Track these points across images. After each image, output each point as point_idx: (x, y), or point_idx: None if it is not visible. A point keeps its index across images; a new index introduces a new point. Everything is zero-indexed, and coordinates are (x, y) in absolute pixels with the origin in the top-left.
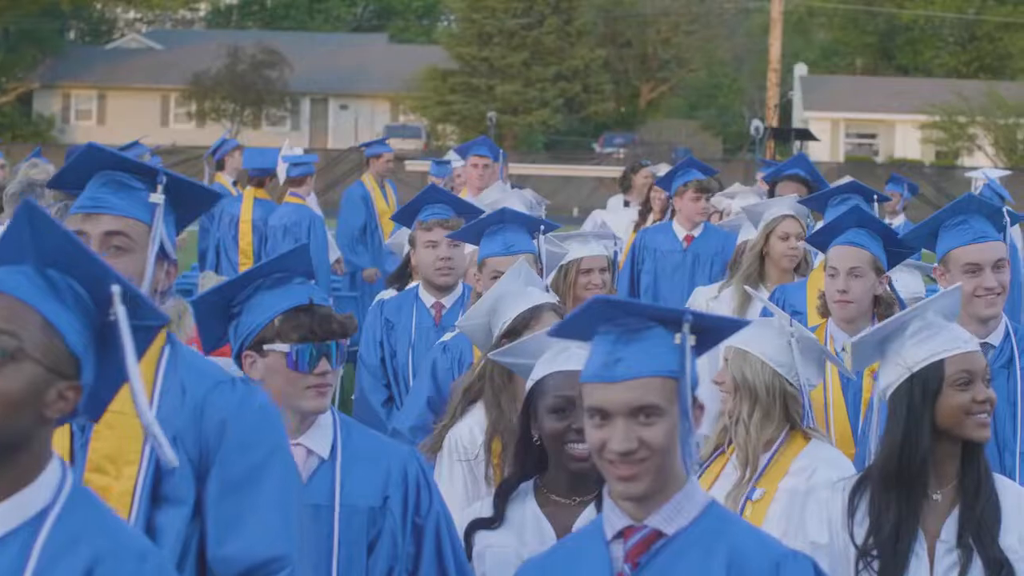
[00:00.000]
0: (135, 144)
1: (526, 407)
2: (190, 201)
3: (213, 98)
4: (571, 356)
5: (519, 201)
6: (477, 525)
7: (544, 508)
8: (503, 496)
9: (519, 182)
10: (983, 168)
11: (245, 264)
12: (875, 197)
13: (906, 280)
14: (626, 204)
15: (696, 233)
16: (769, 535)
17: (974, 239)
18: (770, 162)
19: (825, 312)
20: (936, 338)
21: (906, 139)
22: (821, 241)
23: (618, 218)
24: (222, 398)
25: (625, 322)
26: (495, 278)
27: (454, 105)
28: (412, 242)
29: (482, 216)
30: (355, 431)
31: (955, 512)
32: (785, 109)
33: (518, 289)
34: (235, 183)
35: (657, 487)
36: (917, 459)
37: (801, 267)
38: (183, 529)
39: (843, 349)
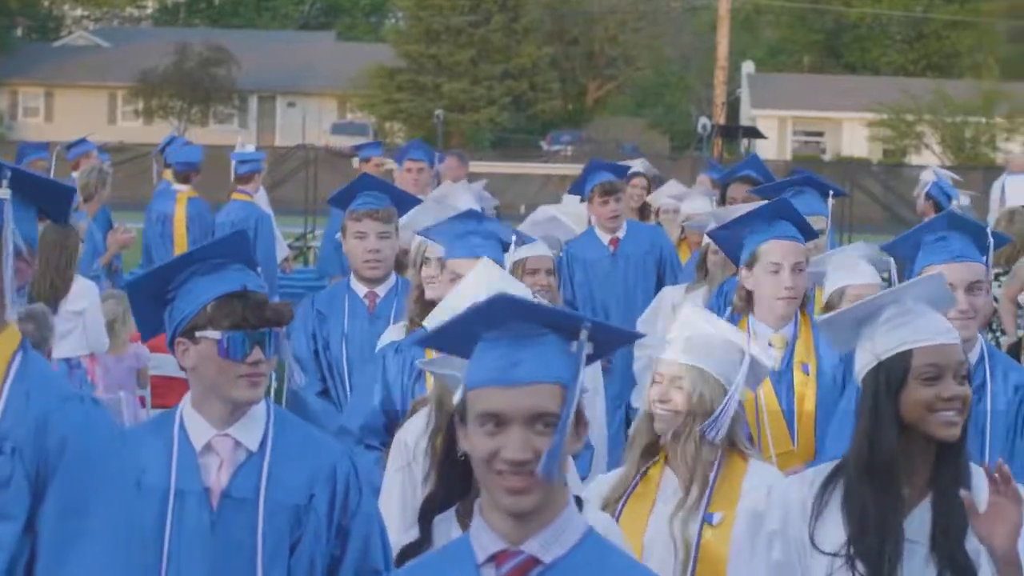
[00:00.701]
0: (82, 141)
1: (451, 421)
2: (44, 197)
3: (161, 96)
4: None
5: (470, 196)
6: (407, 553)
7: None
8: (427, 518)
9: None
10: (932, 166)
11: None
12: (830, 192)
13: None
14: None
15: (620, 235)
16: (648, 569)
17: (950, 258)
18: (716, 165)
19: (748, 306)
20: (908, 326)
21: (853, 137)
22: (728, 238)
23: (575, 211)
24: (67, 415)
25: (518, 327)
26: (454, 281)
27: (401, 103)
28: (343, 231)
29: (456, 215)
30: (289, 425)
31: (919, 511)
32: (733, 107)
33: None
34: (236, 183)
35: (543, 504)
36: (882, 454)
37: None
38: (12, 544)
39: (770, 344)
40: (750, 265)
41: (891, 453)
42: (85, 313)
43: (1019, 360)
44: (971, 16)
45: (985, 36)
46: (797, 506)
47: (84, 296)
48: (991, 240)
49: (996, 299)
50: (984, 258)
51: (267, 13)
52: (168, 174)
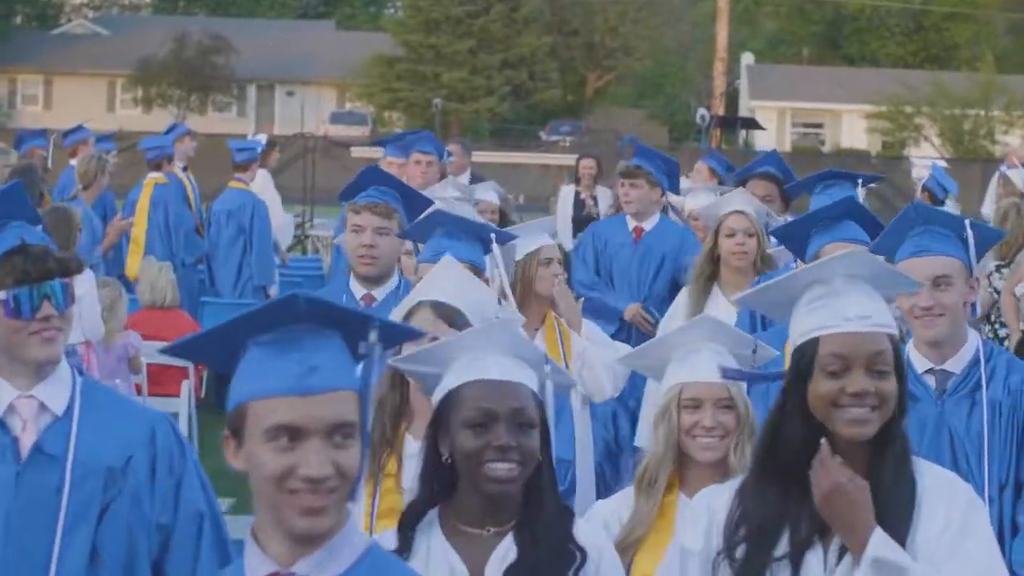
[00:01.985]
0: (79, 128)
1: (434, 422)
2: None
3: (159, 84)
4: (489, 364)
5: (492, 193)
6: None
7: (452, 539)
8: (409, 525)
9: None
10: (927, 158)
11: (135, 252)
12: (860, 181)
13: None
14: (577, 195)
15: (647, 227)
16: None
17: (914, 252)
18: (716, 154)
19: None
20: (823, 310)
21: (852, 129)
22: (794, 235)
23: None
24: None
25: (300, 328)
26: None
27: (400, 92)
28: (346, 223)
29: (428, 214)
30: (98, 392)
31: None
32: (732, 98)
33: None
34: (185, 168)
35: (337, 522)
36: (781, 449)
37: (758, 266)
38: None
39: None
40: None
41: (790, 449)
42: (82, 300)
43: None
44: (969, 8)
45: (983, 28)
46: (721, 518)
47: (81, 283)
48: (970, 232)
49: (997, 292)
50: (964, 252)
51: (266, 2)
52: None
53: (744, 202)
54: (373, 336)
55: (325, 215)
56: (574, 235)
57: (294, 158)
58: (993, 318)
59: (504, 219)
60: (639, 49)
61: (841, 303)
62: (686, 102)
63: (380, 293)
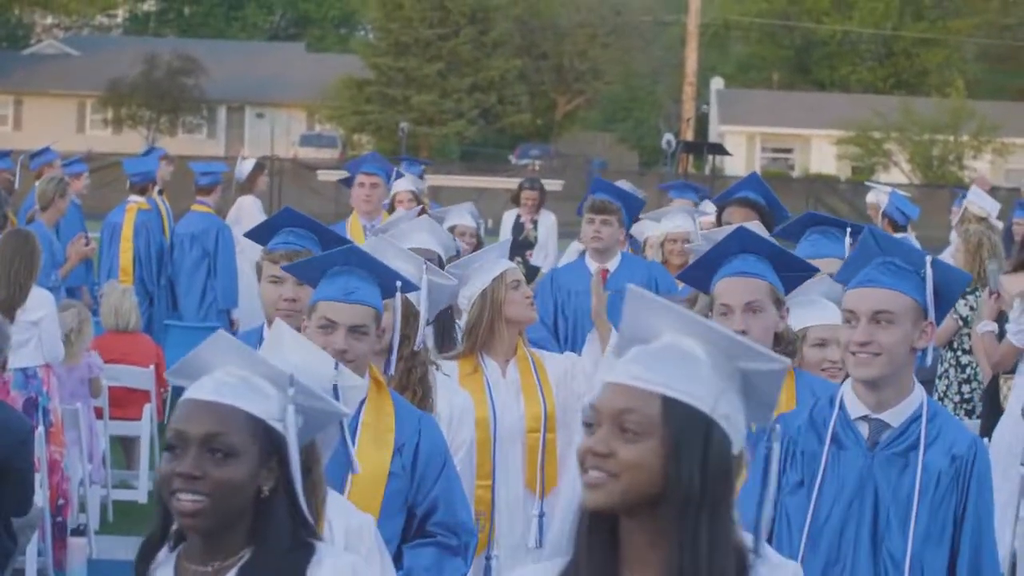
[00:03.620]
0: (45, 151)
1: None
2: None
3: (130, 105)
4: (206, 383)
5: (468, 216)
6: None
7: None
8: (144, 560)
9: (433, 193)
10: (880, 185)
11: (125, 281)
12: (848, 230)
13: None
14: (518, 218)
15: (611, 266)
16: None
17: (860, 282)
18: (685, 183)
19: None
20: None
21: (822, 154)
22: (698, 276)
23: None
24: None
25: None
26: (324, 327)
27: (370, 115)
28: (257, 270)
29: (327, 252)
30: None
31: None
32: (702, 123)
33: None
34: (160, 192)
35: None
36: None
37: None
38: None
39: None
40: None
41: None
42: (41, 323)
43: (999, 400)
44: (940, 34)
45: (953, 54)
46: None
47: (41, 306)
48: (929, 271)
49: (963, 320)
50: (920, 291)
51: (236, 23)
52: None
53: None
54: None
55: None
56: (511, 258)
57: None
58: (955, 344)
59: (480, 247)
60: (608, 73)
61: (631, 354)
62: (655, 126)
63: None
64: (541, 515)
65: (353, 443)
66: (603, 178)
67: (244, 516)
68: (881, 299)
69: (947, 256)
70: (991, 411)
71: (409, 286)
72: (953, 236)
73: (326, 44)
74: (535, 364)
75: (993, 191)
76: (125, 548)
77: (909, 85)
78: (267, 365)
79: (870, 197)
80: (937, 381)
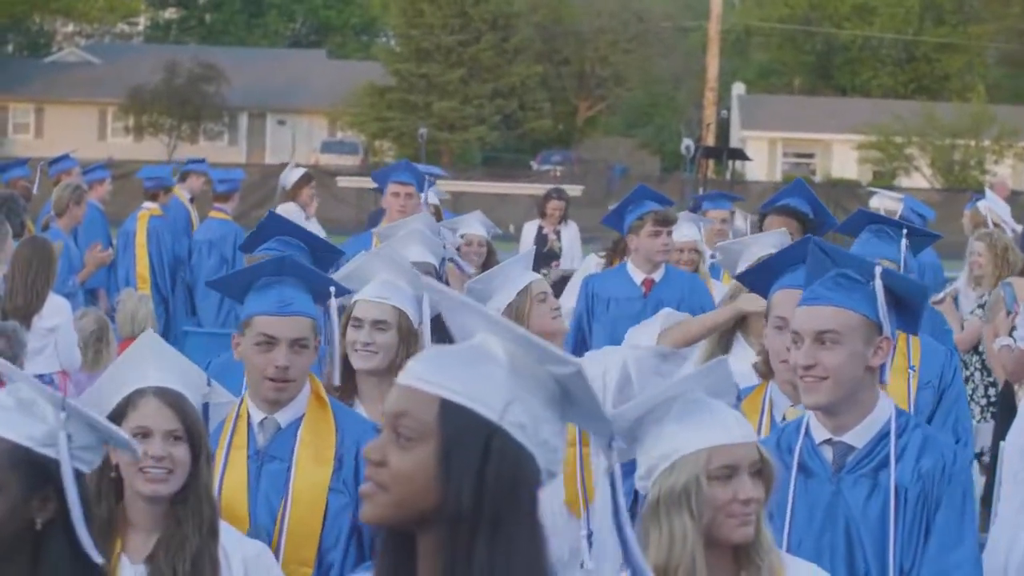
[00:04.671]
0: (64, 158)
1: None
2: None
3: (151, 112)
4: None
5: (479, 226)
6: None
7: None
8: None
9: (455, 199)
10: (884, 191)
11: (143, 288)
12: (904, 230)
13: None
14: (540, 229)
15: (656, 277)
16: None
17: (803, 300)
18: (712, 194)
19: (769, 373)
20: None
21: (843, 159)
22: (759, 281)
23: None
24: None
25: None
26: (261, 344)
27: (391, 121)
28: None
29: (256, 264)
30: None
31: None
32: (723, 128)
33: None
34: (192, 200)
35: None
36: None
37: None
38: None
39: (783, 418)
40: (767, 318)
41: None
42: (58, 330)
43: (1014, 403)
44: (961, 39)
45: (975, 59)
46: None
47: (57, 313)
48: (878, 283)
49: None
50: (870, 305)
51: (258, 31)
52: (178, 191)
53: (773, 243)
54: None
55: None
56: (535, 270)
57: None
58: (981, 347)
59: (491, 256)
60: (630, 79)
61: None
62: (677, 132)
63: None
64: (590, 534)
65: (291, 464)
66: (623, 184)
67: (21, 550)
68: (825, 318)
69: (966, 264)
70: (1006, 414)
71: (342, 290)
72: (971, 242)
73: (347, 51)
74: None
75: (1014, 195)
76: None
77: (930, 90)
78: (38, 387)
79: (874, 202)
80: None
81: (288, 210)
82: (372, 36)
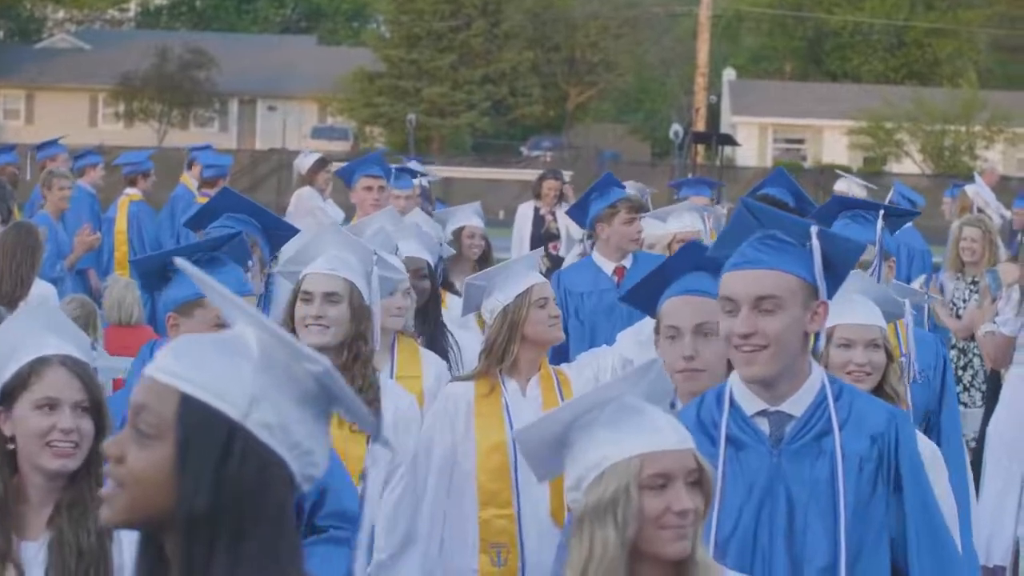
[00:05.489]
0: (51, 143)
1: None
2: None
3: (141, 98)
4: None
5: (476, 218)
6: None
7: None
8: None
9: (445, 185)
10: (848, 176)
11: (122, 275)
12: (880, 213)
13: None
14: (536, 211)
15: (627, 264)
16: None
17: (736, 264)
18: (689, 180)
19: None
20: None
21: (834, 144)
22: (647, 296)
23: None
24: None
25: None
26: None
27: (381, 107)
28: None
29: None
30: None
31: None
32: (714, 114)
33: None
34: (200, 187)
35: None
36: None
37: None
38: None
39: None
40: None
41: None
42: None
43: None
44: (952, 24)
45: (965, 44)
46: None
47: (44, 299)
48: (815, 242)
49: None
50: (807, 268)
51: (248, 16)
52: (186, 178)
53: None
54: None
55: None
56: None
57: (269, 173)
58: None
59: (488, 250)
60: (620, 65)
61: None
62: (668, 118)
63: None
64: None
65: None
66: (613, 170)
67: None
68: (763, 282)
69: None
70: (993, 399)
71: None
72: (954, 227)
73: (338, 37)
74: (559, 381)
75: (1004, 181)
76: None
77: (921, 75)
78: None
79: (840, 186)
80: (962, 372)
81: (306, 194)
82: (363, 22)
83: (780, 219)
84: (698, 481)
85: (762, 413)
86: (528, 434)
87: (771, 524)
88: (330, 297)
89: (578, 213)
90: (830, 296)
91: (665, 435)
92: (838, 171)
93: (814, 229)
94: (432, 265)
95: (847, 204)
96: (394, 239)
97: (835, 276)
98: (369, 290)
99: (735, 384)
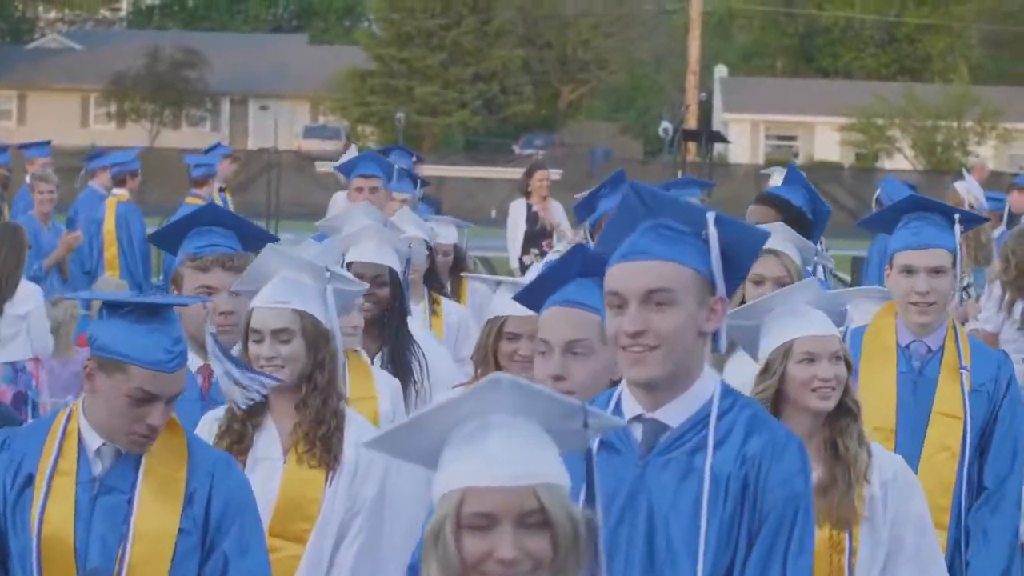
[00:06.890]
0: (37, 144)
1: None
2: None
3: (133, 98)
4: None
5: (452, 229)
6: None
7: None
8: None
9: (436, 184)
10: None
11: (112, 275)
12: (956, 218)
13: None
14: (529, 208)
15: None
16: None
17: (624, 255)
18: (680, 181)
19: None
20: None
21: (826, 141)
22: (536, 297)
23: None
24: None
25: None
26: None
27: (373, 106)
28: (176, 280)
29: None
30: None
31: None
32: (706, 111)
33: None
34: (221, 190)
35: None
36: None
37: None
38: None
39: None
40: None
41: None
42: (29, 316)
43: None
44: (943, 20)
45: (957, 40)
46: None
47: (29, 299)
48: (712, 231)
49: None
50: (702, 259)
51: (239, 16)
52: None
53: (779, 240)
54: None
55: (291, 230)
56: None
57: (259, 172)
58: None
59: (459, 262)
60: (612, 62)
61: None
62: (659, 115)
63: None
64: None
65: (132, 496)
66: (605, 168)
67: None
68: (654, 275)
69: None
70: None
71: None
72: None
73: (329, 36)
74: None
75: (996, 176)
76: None
77: (912, 71)
78: None
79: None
80: None
81: (340, 199)
82: (354, 21)
83: (672, 205)
84: (544, 523)
85: (638, 418)
86: (382, 444)
87: (628, 542)
88: (279, 335)
89: (584, 209)
90: (729, 293)
91: (496, 468)
92: (765, 169)
93: (710, 216)
94: (397, 270)
95: (918, 204)
96: (341, 246)
97: (734, 269)
98: (325, 309)
99: (625, 385)
